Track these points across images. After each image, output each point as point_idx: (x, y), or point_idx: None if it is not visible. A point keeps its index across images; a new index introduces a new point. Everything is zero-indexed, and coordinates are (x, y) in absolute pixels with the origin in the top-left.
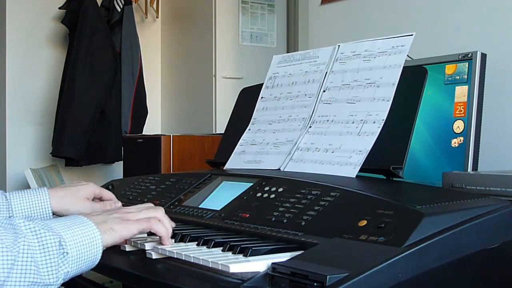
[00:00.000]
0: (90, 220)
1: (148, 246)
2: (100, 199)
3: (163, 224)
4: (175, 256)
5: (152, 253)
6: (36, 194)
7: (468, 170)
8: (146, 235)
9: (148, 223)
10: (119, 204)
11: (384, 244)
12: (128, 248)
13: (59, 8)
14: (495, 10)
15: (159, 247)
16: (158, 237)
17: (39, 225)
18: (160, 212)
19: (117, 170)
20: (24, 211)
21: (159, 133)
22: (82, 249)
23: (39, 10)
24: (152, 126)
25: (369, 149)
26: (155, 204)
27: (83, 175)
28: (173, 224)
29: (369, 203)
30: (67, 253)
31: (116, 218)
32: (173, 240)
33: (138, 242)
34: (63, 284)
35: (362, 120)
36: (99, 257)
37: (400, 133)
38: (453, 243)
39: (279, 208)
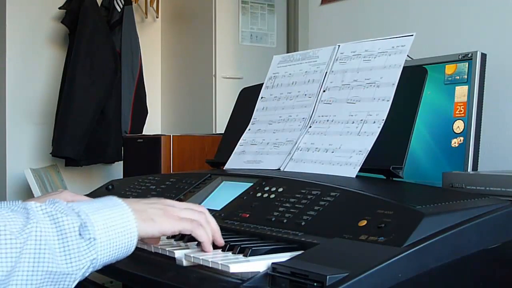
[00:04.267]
0: (126, 204)
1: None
2: None
3: (205, 230)
4: (175, 256)
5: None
6: (9, 205)
7: (468, 170)
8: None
9: (191, 225)
10: None
11: (384, 244)
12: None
13: (59, 8)
14: (495, 10)
15: (155, 245)
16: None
17: (59, 208)
18: (202, 216)
19: (117, 170)
20: None
21: (159, 133)
22: (113, 234)
23: (39, 10)
24: (152, 126)
25: (369, 149)
26: None
27: (83, 175)
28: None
29: (369, 203)
30: (94, 238)
31: (158, 209)
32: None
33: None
34: None
35: (362, 120)
36: (134, 246)
37: (400, 133)
38: (453, 243)
39: (279, 208)
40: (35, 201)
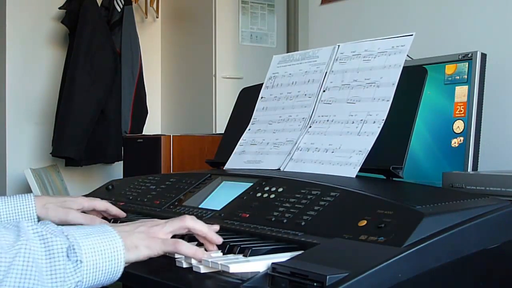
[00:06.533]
0: (115, 231)
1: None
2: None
3: (194, 229)
4: (176, 256)
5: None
6: (21, 199)
7: (468, 170)
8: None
9: (174, 246)
10: (114, 211)
11: (384, 244)
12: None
13: (59, 8)
14: (495, 10)
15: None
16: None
17: (50, 229)
18: (188, 220)
19: (117, 170)
20: (9, 215)
21: (159, 133)
22: (100, 259)
23: (39, 10)
24: (152, 126)
25: (369, 149)
26: (155, 204)
27: (83, 175)
28: (216, 227)
29: (369, 203)
30: (81, 261)
31: (142, 233)
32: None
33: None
34: None
35: (362, 120)
36: (120, 272)
37: (400, 133)
38: (453, 243)
39: (279, 208)
40: (49, 196)
